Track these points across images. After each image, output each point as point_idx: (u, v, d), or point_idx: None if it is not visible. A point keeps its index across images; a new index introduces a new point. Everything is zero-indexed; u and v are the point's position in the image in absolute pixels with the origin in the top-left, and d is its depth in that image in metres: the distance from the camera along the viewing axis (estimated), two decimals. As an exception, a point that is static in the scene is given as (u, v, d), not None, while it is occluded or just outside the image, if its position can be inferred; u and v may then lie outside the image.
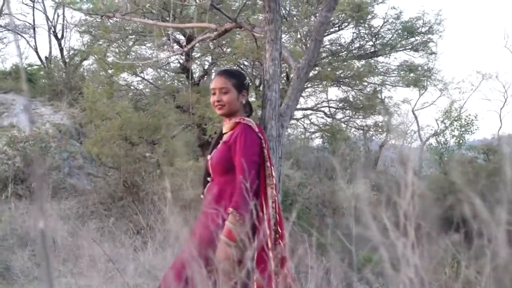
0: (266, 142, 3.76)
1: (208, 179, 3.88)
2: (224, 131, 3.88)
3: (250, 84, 3.93)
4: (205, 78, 15.76)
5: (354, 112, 15.88)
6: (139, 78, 13.86)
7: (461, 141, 22.92)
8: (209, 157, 3.89)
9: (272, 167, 3.76)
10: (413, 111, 23.71)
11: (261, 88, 11.29)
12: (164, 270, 7.22)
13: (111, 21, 13.27)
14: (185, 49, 5.41)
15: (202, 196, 3.92)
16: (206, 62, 14.89)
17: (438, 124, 24.15)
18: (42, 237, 0.98)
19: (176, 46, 14.25)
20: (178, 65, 13.58)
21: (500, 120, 24.63)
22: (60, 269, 7.21)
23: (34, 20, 22.33)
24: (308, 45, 12.81)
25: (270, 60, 3.97)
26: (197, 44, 12.85)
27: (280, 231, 3.69)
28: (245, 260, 3.53)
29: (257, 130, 3.73)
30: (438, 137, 23.45)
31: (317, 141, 20.39)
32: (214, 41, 12.77)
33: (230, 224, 3.53)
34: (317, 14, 13.08)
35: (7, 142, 12.55)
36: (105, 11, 5.43)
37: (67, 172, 13.44)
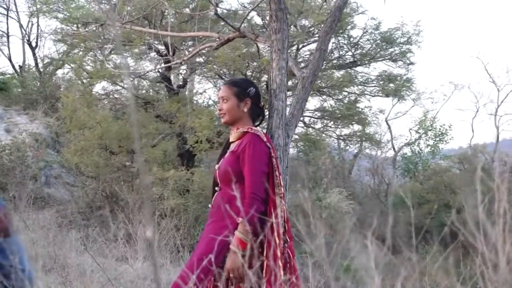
0: (274, 151, 3.77)
1: (216, 188, 3.88)
2: (231, 140, 3.88)
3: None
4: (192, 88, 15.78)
5: (332, 122, 15.95)
6: (118, 87, 13.76)
7: (435, 151, 23.16)
8: (216, 166, 3.90)
9: (280, 177, 3.77)
10: (386, 121, 23.89)
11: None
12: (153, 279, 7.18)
13: (87, 29, 13.18)
14: (185, 58, 5.38)
15: (210, 205, 3.92)
16: (182, 72, 14.84)
17: (411, 134, 24.39)
18: (150, 246, 0.97)
19: (153, 54, 14.22)
20: (158, 74, 13.53)
21: (472, 130, 24.91)
22: (42, 279, 7.10)
23: (8, 28, 22.09)
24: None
25: (277, 70, 3.98)
26: (176, 53, 12.90)
27: (288, 240, 3.70)
28: (254, 268, 3.54)
29: (265, 139, 3.74)
30: (413, 146, 23.67)
31: (291, 151, 20.39)
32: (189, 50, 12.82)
33: (239, 234, 3.54)
34: (297, 24, 13.14)
35: (-17, 151, 12.37)
36: (103, 20, 5.39)
37: (44, 181, 13.30)
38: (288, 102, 4.30)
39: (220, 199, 3.78)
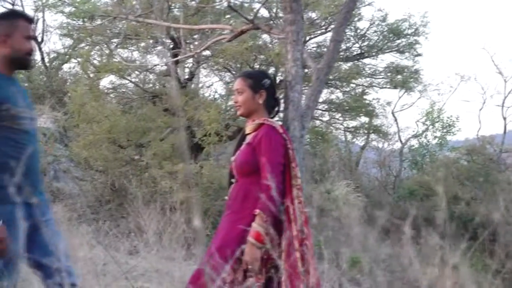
0: (290, 142, 3.77)
1: (232, 180, 3.88)
2: (247, 132, 3.88)
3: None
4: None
5: (340, 114, 15.96)
6: (125, 81, 13.76)
7: (442, 142, 23.07)
8: (232, 158, 3.89)
9: (297, 168, 3.77)
10: (392, 113, 23.74)
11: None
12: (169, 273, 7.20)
13: (96, 23, 13.19)
14: (198, 50, 5.39)
15: (226, 198, 3.91)
16: (189, 65, 14.83)
17: (418, 126, 24.28)
18: (198, 235, 0.98)
19: (160, 48, 14.20)
20: (165, 67, 13.51)
21: (479, 121, 24.73)
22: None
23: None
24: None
25: (292, 61, 3.98)
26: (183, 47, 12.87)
27: (306, 231, 3.70)
28: (272, 260, 3.55)
29: (281, 131, 3.74)
30: (420, 138, 23.58)
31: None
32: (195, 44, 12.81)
33: (257, 226, 3.54)
34: (303, 17, 13.10)
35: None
36: (117, 13, 5.40)
37: (53, 176, 13.31)
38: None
39: (237, 191, 3.78)
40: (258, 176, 3.65)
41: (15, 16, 3.62)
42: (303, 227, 3.69)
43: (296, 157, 3.83)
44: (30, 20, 3.65)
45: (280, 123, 3.99)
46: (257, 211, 3.54)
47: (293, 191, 3.71)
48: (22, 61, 3.56)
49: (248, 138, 3.83)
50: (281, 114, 4.19)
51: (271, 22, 12.77)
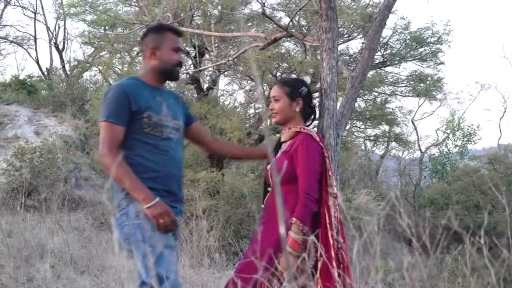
0: (327, 151, 3.74)
1: (268, 189, 3.85)
2: (282, 140, 3.85)
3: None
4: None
5: (361, 122, 15.91)
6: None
7: (463, 151, 22.98)
8: (268, 167, 3.87)
9: (333, 176, 3.73)
10: (412, 121, 23.70)
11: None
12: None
13: (115, 32, 13.24)
14: (230, 58, 5.39)
15: (262, 206, 3.88)
16: (208, 71, 14.83)
17: (437, 134, 24.20)
18: (283, 243, 0.96)
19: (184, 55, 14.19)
20: (187, 75, 13.53)
21: (500, 130, 24.67)
22: (78, 280, 7.14)
23: (35, 31, 22.31)
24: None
25: (327, 69, 3.95)
26: (206, 55, 12.92)
27: (342, 240, 3.66)
28: (308, 269, 3.52)
29: (318, 139, 3.71)
30: (441, 147, 23.47)
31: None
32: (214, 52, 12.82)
33: (293, 234, 3.51)
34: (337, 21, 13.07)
35: (14, 153, 12.45)
36: (145, 21, 5.41)
37: (74, 183, 13.36)
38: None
39: (273, 199, 3.75)
40: (295, 185, 3.62)
41: (163, 29, 3.78)
42: (339, 236, 3.66)
43: (332, 166, 3.81)
44: (178, 33, 3.77)
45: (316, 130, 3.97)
46: (294, 219, 3.51)
47: (329, 200, 3.67)
48: (170, 72, 3.69)
49: (284, 146, 3.81)
50: (315, 122, 4.16)
51: (293, 30, 12.72)
